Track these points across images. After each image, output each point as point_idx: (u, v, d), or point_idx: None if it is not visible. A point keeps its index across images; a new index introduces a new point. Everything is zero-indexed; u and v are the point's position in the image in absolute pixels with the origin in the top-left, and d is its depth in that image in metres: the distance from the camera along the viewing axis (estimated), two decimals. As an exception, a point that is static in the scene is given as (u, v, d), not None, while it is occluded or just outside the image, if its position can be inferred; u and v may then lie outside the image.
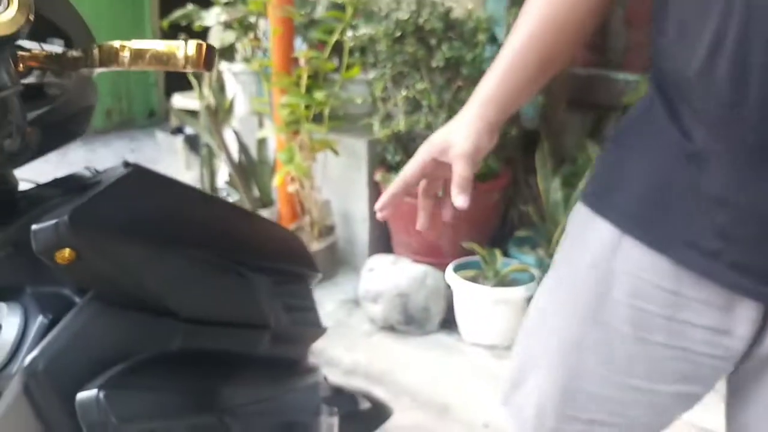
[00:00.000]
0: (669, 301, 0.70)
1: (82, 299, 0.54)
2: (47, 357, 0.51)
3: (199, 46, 0.55)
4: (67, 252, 0.51)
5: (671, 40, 0.68)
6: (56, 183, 0.63)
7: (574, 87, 2.63)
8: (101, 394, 0.49)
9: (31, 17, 0.51)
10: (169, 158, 3.60)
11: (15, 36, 0.50)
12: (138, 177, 0.57)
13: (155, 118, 5.23)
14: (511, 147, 2.39)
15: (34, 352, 0.51)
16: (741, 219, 0.64)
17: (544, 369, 0.80)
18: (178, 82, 5.00)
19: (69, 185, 0.62)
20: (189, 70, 0.55)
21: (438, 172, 0.78)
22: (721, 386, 0.80)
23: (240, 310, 0.65)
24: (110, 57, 0.55)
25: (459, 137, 0.75)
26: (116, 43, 0.55)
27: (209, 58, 0.55)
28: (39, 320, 0.55)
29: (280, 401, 0.68)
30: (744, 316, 0.67)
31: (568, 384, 0.77)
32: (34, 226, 0.51)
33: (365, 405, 0.93)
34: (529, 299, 2.13)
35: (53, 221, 0.50)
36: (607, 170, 0.79)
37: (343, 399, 0.87)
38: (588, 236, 0.76)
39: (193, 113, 3.81)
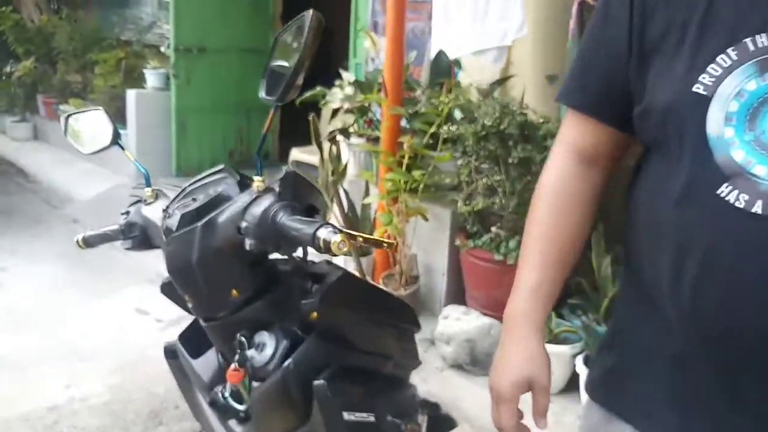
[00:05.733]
0: None
1: (308, 334, 1.10)
2: (295, 363, 1.06)
3: (391, 244, 1.05)
4: (315, 314, 1.08)
5: (640, 257, 0.89)
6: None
7: (630, 177, 3.06)
8: (326, 383, 1.06)
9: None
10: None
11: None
12: (348, 278, 1.14)
13: (268, 160, 6.01)
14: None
15: (289, 360, 1.06)
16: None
17: None
18: (291, 130, 5.78)
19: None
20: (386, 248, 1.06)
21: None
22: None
23: (380, 346, 1.21)
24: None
25: (539, 375, 0.94)
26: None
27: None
28: (284, 343, 1.08)
29: (395, 401, 1.23)
30: None
31: None
32: (303, 302, 1.08)
33: (443, 412, 1.47)
34: (575, 356, 2.61)
35: (312, 300, 1.08)
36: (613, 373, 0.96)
37: (429, 406, 1.41)
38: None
39: (307, 165, 4.50)
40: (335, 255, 0.92)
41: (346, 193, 3.31)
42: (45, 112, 6.72)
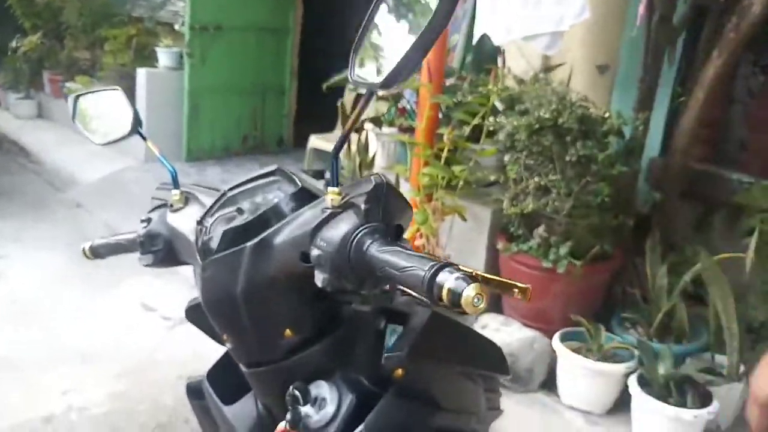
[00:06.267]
0: None
1: (380, 386, 0.84)
2: (369, 430, 0.80)
3: (524, 290, 0.69)
4: (401, 371, 0.81)
5: None
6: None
7: (688, 180, 2.80)
8: None
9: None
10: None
11: None
12: (437, 321, 0.87)
13: (284, 145, 5.75)
14: (626, 232, 2.61)
15: (361, 427, 0.79)
16: None
17: None
18: (307, 115, 5.52)
19: None
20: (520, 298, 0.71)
21: None
22: None
23: (467, 403, 0.95)
24: None
25: None
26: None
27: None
28: (349, 399, 0.82)
29: None
30: None
31: None
32: (386, 355, 0.82)
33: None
34: (627, 375, 2.35)
35: (399, 353, 0.80)
36: None
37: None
38: None
39: (326, 154, 4.24)
40: (465, 313, 0.64)
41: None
42: (51, 89, 6.44)
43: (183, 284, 3.04)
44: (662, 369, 2.28)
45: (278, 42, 5.40)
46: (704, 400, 2.20)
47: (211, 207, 0.88)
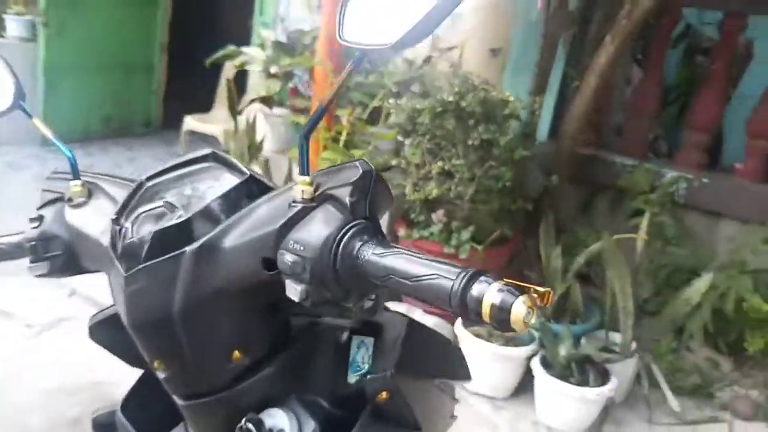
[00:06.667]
0: None
1: (343, 408, 0.72)
2: None
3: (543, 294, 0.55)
4: (385, 393, 0.69)
5: None
6: None
7: (576, 164, 2.88)
8: None
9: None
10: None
11: None
12: (412, 329, 0.75)
13: (151, 127, 5.32)
14: (521, 216, 2.63)
15: None
16: None
17: None
18: (177, 94, 5.14)
19: None
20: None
21: None
22: None
23: (440, 418, 0.85)
24: None
25: None
26: None
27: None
28: (312, 428, 0.70)
29: None
30: None
31: None
32: (369, 377, 0.69)
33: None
34: (529, 358, 2.37)
35: (383, 374, 0.69)
36: None
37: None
38: None
39: (204, 137, 3.95)
40: (512, 331, 0.53)
41: (269, 171, 2.86)
42: None
43: (47, 283, 2.69)
44: (563, 350, 2.32)
45: (146, 14, 4.98)
46: (603, 377, 2.27)
47: (128, 201, 0.70)
